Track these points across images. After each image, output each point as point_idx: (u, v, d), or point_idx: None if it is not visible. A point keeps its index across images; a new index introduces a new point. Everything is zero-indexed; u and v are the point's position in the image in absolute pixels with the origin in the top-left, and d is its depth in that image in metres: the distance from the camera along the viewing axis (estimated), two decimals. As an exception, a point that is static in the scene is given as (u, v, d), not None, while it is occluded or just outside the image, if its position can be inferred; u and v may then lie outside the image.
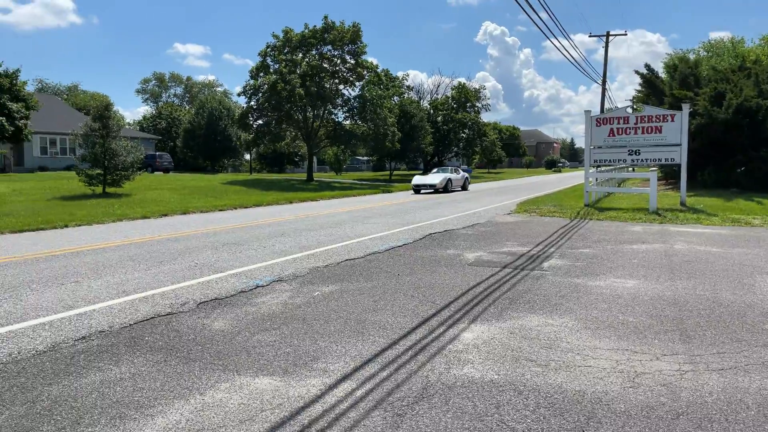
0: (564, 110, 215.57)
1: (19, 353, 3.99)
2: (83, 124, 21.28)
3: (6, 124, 29.76)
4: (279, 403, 3.15)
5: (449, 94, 56.52)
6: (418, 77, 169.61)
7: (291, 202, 19.95)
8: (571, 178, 45.18)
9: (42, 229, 11.61)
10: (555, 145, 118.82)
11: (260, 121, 36.41)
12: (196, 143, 51.86)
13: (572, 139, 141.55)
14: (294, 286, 6.06)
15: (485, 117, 78.16)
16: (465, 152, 57.12)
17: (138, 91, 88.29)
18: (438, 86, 60.73)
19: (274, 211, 16.47)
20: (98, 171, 20.29)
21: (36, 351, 4.04)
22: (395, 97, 45.80)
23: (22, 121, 31.18)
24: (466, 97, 54.34)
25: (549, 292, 5.70)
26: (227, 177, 38.14)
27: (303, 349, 4.07)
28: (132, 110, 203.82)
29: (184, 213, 15.26)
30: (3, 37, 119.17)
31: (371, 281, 6.28)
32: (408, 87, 54.97)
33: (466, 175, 27.46)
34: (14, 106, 30.80)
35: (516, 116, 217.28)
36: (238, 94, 41.51)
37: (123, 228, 11.89)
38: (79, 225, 12.33)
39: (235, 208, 17.02)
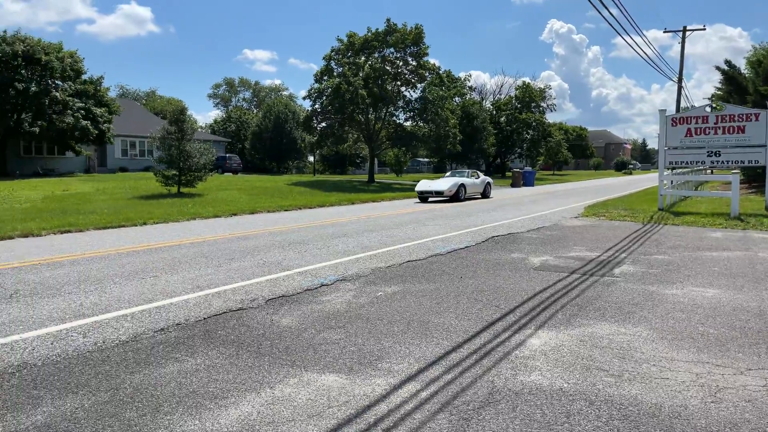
0: (635, 110, 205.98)
1: (103, 342, 4.27)
2: (160, 127, 22.53)
3: (91, 127, 32.03)
4: (345, 401, 3.20)
5: (513, 94, 55.43)
6: (480, 78, 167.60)
7: (353, 203, 20.22)
8: (643, 180, 43.11)
9: (123, 226, 12.40)
10: (625, 146, 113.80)
11: (324, 124, 37.18)
12: (263, 145, 53.64)
13: (644, 140, 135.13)
14: (357, 286, 6.14)
15: (551, 117, 75.94)
16: (529, 153, 55.81)
17: (210, 96, 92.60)
18: (501, 86, 59.67)
19: (336, 211, 16.76)
20: (174, 172, 21.40)
21: (119, 341, 4.31)
22: (457, 98, 45.43)
23: (105, 125, 33.45)
24: (530, 97, 53.05)
25: (621, 300, 5.47)
26: (292, 178, 39.18)
27: (367, 348, 4.11)
28: (204, 114, 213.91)
29: (252, 213, 15.82)
30: (88, 46, 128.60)
31: (433, 283, 6.26)
32: (470, 88, 54.33)
33: (488, 180, 23.17)
34: (98, 110, 33.10)
35: (583, 116, 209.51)
36: (303, 98, 42.64)
37: (196, 226, 12.49)
38: (157, 223, 13.07)
39: (300, 209, 17.46)
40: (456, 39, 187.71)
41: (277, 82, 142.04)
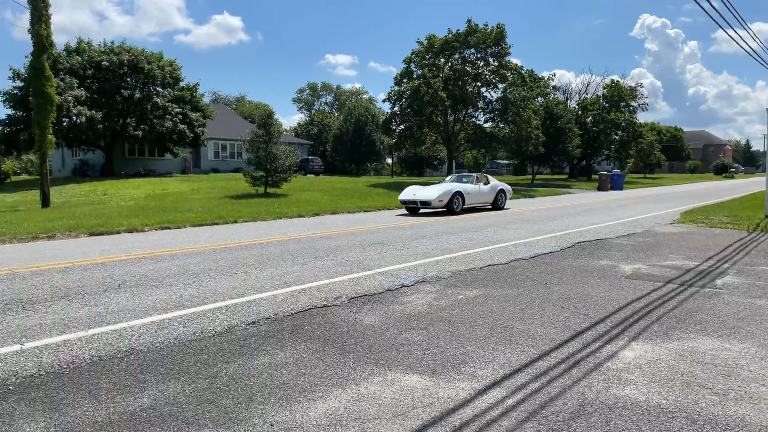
0: (738, 108, 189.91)
1: (201, 332, 4.55)
2: (250, 131, 23.69)
3: (187, 131, 34.27)
4: (429, 402, 3.21)
5: (600, 94, 52.97)
6: (565, 77, 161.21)
7: (432, 205, 20.16)
8: (746, 185, 39.65)
9: (216, 224, 13.18)
10: (726, 147, 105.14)
11: (402, 126, 37.45)
12: (344, 148, 54.92)
13: (748, 141, 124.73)
14: (438, 288, 6.12)
15: (642, 117, 72.01)
16: (618, 155, 53.05)
17: (294, 100, 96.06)
18: (587, 85, 57.35)
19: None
20: (261, 173, 22.43)
21: (215, 332, 4.57)
22: (540, 98, 44.09)
23: (200, 129, 35.66)
24: (619, 96, 50.46)
25: (724, 313, 5.06)
26: (370, 180, 39.71)
27: (450, 351, 4.09)
28: (288, 118, 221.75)
29: (333, 213, 16.23)
30: (185, 55, 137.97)
31: (516, 288, 6.11)
32: (554, 87, 52.58)
33: (502, 186, 18.27)
34: (194, 115, 35.33)
35: (678, 116, 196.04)
36: (383, 101, 43.32)
37: (282, 225, 13.01)
38: (246, 221, 13.77)
39: (379, 210, 17.67)
40: (539, 37, 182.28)
41: (358, 85, 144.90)
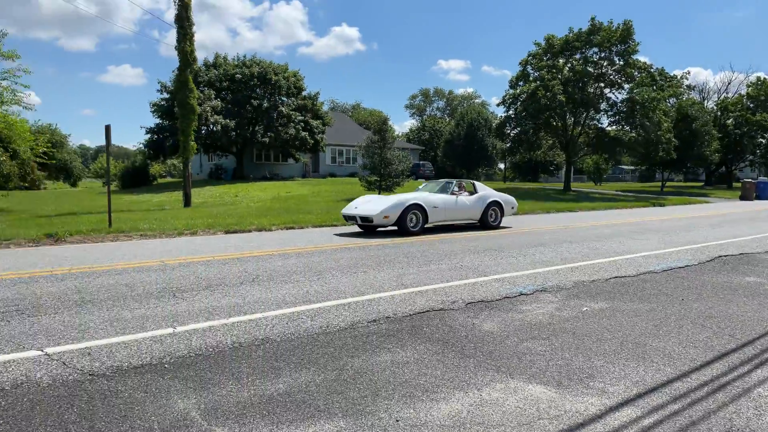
0: None
1: (327, 327, 4.81)
2: (366, 137, 24.52)
3: (308, 137, 36.28)
4: (556, 415, 3.12)
5: (743, 93, 47.56)
6: (700, 75, 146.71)
7: (548, 212, 19.46)
8: None
9: (335, 225, 13.80)
10: None
11: (517, 130, 36.44)
12: (454, 153, 54.66)
13: None
14: (559, 298, 5.90)
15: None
16: (765, 161, 47.24)
17: (406, 106, 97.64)
18: (728, 84, 51.90)
19: (530, 219, 16.29)
20: (375, 177, 23.10)
21: (339, 327, 4.81)
22: (671, 99, 40.58)
23: (319, 135, 37.60)
24: (767, 95, 44.92)
25: None
26: (483, 185, 39.14)
27: (576, 364, 3.93)
28: (401, 124, 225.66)
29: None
30: (306, 66, 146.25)
31: (648, 303, 5.71)
32: (688, 87, 48.12)
33: (496, 198, 13.65)
34: (314, 123, 37.32)
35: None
36: (497, 105, 42.17)
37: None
38: (361, 224, 14.25)
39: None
40: (671, 33, 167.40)
41: (470, 90, 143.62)
